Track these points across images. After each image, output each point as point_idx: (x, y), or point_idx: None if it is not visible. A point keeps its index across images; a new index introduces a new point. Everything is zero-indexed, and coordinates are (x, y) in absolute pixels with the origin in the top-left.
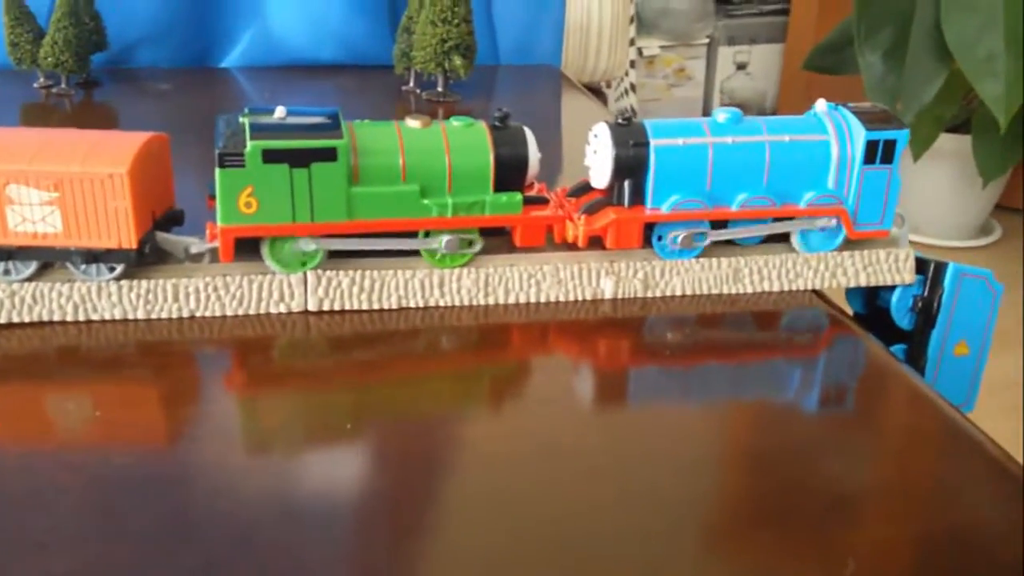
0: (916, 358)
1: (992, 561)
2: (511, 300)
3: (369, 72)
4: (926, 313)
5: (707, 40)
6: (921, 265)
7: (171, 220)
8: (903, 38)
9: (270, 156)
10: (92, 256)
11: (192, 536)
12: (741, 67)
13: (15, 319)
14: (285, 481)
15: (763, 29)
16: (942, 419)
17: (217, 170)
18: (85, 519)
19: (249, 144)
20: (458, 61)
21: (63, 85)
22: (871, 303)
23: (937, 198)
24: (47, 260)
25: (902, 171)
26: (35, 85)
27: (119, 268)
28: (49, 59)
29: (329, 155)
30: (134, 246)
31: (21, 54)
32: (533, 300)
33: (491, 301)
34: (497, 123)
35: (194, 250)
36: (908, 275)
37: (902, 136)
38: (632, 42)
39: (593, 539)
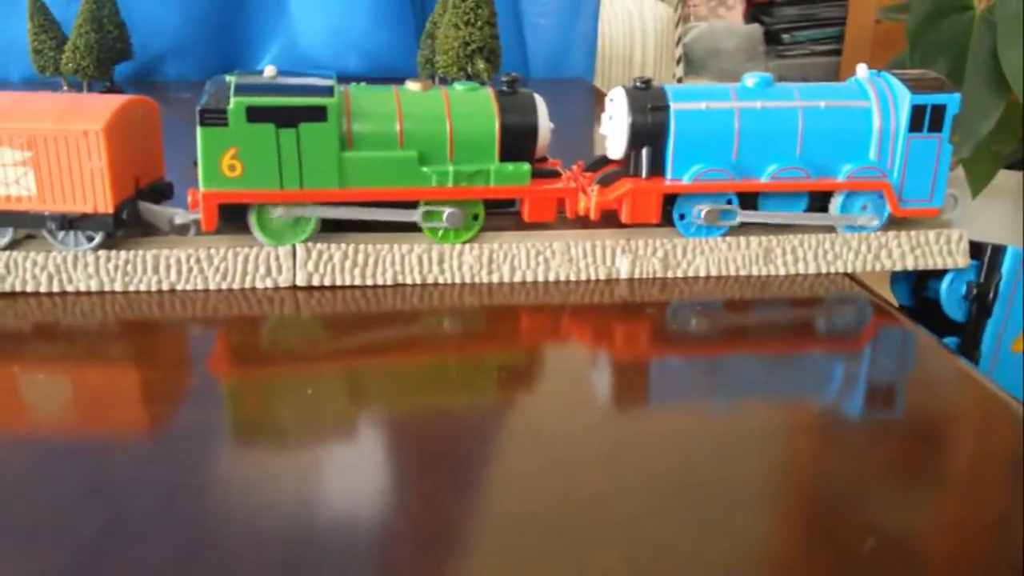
0: (969, 353)
1: None
2: (517, 278)
3: (394, 83)
4: (981, 302)
5: None
6: (976, 249)
7: (158, 192)
8: (959, 69)
9: (255, 114)
10: (68, 222)
11: (161, 527)
12: None
13: None
14: (269, 471)
15: (815, 69)
16: (994, 402)
17: (198, 129)
18: (60, 505)
19: (232, 101)
20: (481, 65)
21: (85, 92)
22: (919, 295)
23: (996, 237)
24: (20, 226)
25: (960, 209)
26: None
27: (97, 237)
28: (70, 64)
29: (318, 115)
30: (110, 211)
31: (44, 61)
32: (541, 279)
33: (495, 279)
34: (505, 88)
35: (179, 220)
36: (962, 258)
37: (952, 100)
38: (680, 81)
39: (598, 540)
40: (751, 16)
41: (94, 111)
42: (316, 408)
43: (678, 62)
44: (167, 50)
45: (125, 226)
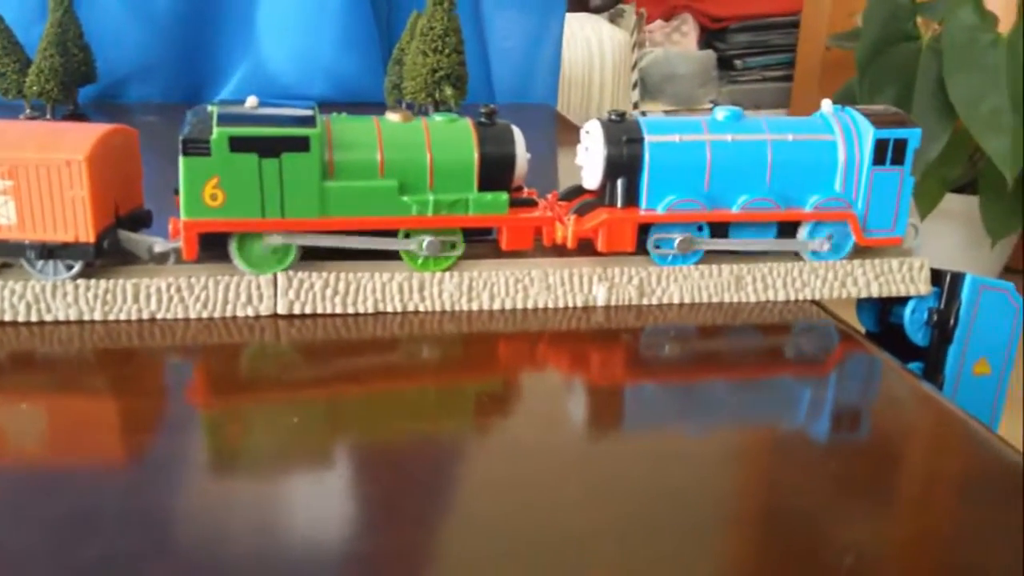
0: (932, 377)
1: None
2: (496, 306)
3: (361, 108)
4: (942, 328)
5: (711, 105)
6: (937, 277)
7: (137, 220)
8: (907, 96)
9: (238, 144)
10: (48, 251)
11: (147, 556)
12: None
13: None
14: (249, 503)
15: (767, 95)
16: (959, 427)
17: (181, 158)
18: (32, 536)
19: (215, 131)
20: (449, 91)
21: (48, 116)
22: (883, 320)
23: (946, 259)
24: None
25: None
26: (21, 117)
27: (76, 266)
28: (34, 87)
29: (301, 145)
30: (92, 240)
31: (8, 84)
32: (520, 306)
33: (475, 307)
34: (483, 119)
35: (158, 249)
36: (923, 286)
37: (914, 135)
38: (635, 106)
39: (579, 566)
40: (704, 42)
41: (76, 140)
42: (297, 436)
43: (634, 87)
44: (131, 72)
45: (105, 255)
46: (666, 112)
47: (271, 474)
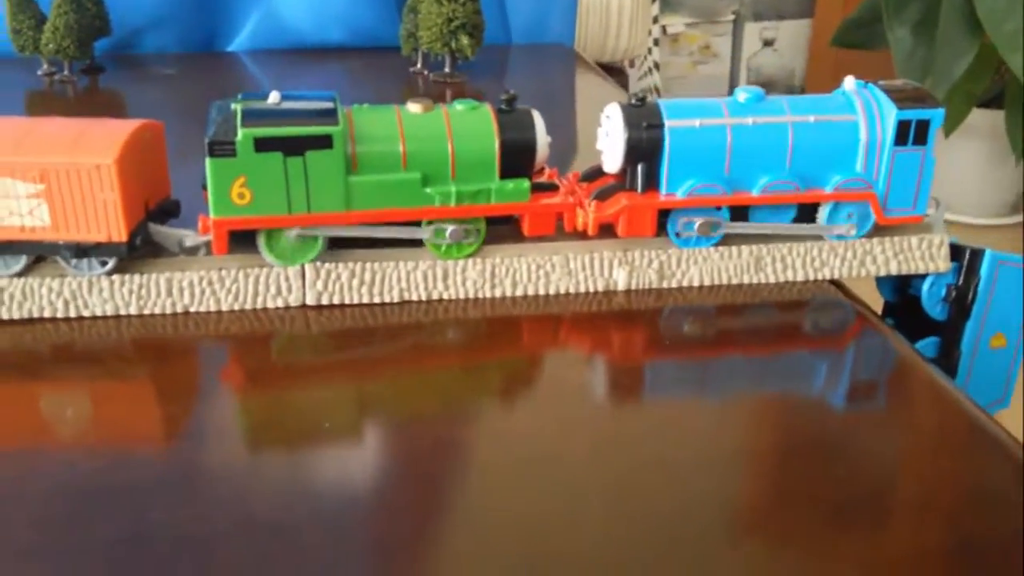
0: (949, 351)
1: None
2: (519, 292)
3: (377, 54)
4: (960, 303)
5: (733, 16)
6: (956, 252)
7: (166, 211)
8: (933, 12)
9: (263, 144)
10: (82, 250)
11: (186, 542)
12: (768, 43)
13: (4, 316)
14: (283, 483)
15: (790, 4)
16: (966, 420)
17: (207, 160)
18: (75, 522)
19: (240, 132)
20: (465, 41)
21: (66, 72)
22: (902, 291)
23: (969, 175)
24: (35, 253)
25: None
26: (39, 73)
27: (110, 262)
28: (50, 45)
29: (324, 142)
30: (124, 239)
31: (24, 41)
32: (542, 292)
33: (498, 293)
34: (503, 106)
35: (189, 243)
36: (942, 263)
37: (936, 115)
38: (655, 20)
39: (603, 543)
40: None
41: (104, 142)
42: (327, 420)
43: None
44: (145, 23)
45: (138, 251)
46: (687, 25)
47: (300, 455)
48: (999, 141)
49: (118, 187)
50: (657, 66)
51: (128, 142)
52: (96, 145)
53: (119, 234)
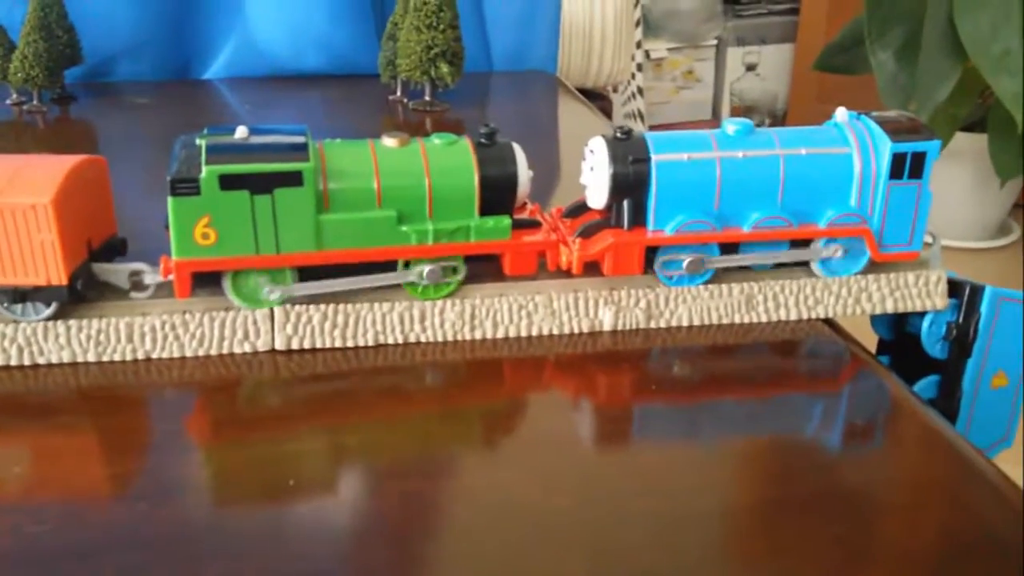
0: (951, 391)
1: None
2: (500, 334)
3: (355, 81)
4: (961, 342)
5: (715, 41)
6: (954, 288)
7: (111, 249)
8: (915, 36)
9: (228, 182)
10: (20, 295)
11: None
12: (751, 68)
13: None
14: (245, 545)
15: (773, 29)
16: (965, 466)
17: (169, 199)
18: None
19: (204, 169)
20: (444, 68)
21: (35, 101)
22: (898, 329)
23: (954, 199)
24: None
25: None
26: (7, 102)
27: (52, 307)
28: (19, 74)
29: (294, 179)
30: (64, 282)
31: None
32: (524, 334)
33: (478, 335)
34: (483, 140)
35: (147, 281)
36: (940, 300)
37: (932, 147)
38: (639, 45)
39: None
40: None
41: (41, 181)
42: (297, 473)
43: (637, 24)
44: (119, 50)
45: (80, 295)
46: (670, 50)
47: (269, 513)
48: (983, 165)
49: (56, 227)
50: (641, 91)
51: (66, 180)
52: (32, 184)
53: (59, 277)
